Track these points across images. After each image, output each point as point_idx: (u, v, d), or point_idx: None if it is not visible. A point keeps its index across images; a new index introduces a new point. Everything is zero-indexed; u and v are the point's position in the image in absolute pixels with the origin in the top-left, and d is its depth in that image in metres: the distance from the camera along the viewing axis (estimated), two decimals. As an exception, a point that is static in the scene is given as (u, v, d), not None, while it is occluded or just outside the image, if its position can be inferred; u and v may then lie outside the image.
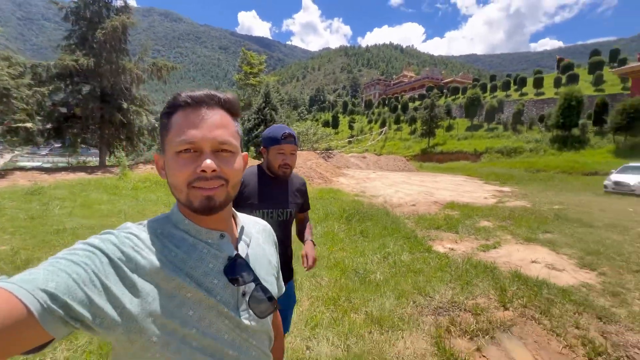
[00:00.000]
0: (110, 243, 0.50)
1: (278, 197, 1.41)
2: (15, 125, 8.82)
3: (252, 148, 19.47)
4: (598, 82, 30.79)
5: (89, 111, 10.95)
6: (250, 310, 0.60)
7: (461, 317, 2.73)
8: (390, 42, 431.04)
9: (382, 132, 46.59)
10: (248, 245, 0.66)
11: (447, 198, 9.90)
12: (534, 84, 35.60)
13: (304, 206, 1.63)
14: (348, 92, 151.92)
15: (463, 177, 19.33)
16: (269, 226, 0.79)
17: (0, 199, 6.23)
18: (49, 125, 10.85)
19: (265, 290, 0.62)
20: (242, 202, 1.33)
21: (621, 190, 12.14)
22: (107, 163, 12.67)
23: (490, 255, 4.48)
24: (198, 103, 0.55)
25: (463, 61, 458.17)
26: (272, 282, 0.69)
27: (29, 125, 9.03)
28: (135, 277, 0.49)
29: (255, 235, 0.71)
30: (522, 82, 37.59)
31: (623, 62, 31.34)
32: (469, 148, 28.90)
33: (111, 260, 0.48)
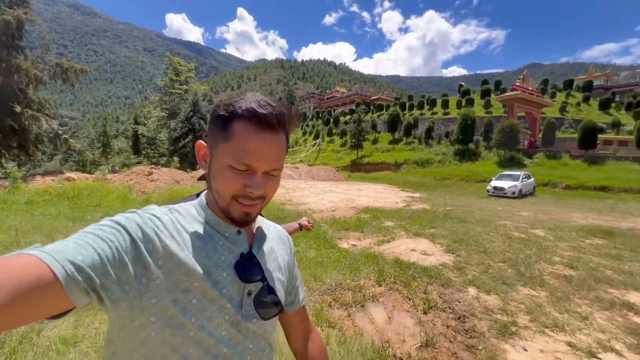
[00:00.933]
0: (134, 222, 0.52)
1: None
2: None
3: (176, 158, 18.50)
4: (487, 105, 37.52)
5: (-31, 115, 9.25)
6: (254, 311, 0.60)
7: (343, 295, 3.38)
8: (324, 58, 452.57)
9: (315, 143, 48.48)
10: (261, 246, 0.66)
11: (365, 204, 11.06)
12: (442, 104, 41.61)
13: None
14: (284, 104, 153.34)
15: (384, 185, 21.46)
16: (285, 233, 0.80)
17: None
18: None
19: (271, 292, 0.62)
20: None
21: (498, 193, 15.08)
22: (-6, 174, 10.74)
23: (383, 247, 5.39)
24: (266, 126, 0.55)
25: (389, 81, 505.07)
26: (280, 288, 0.67)
27: None
28: (150, 258, 0.50)
29: (271, 240, 0.72)
30: (432, 103, 43.52)
31: (504, 90, 38.88)
32: (390, 159, 32.06)
33: (133, 240, 0.50)
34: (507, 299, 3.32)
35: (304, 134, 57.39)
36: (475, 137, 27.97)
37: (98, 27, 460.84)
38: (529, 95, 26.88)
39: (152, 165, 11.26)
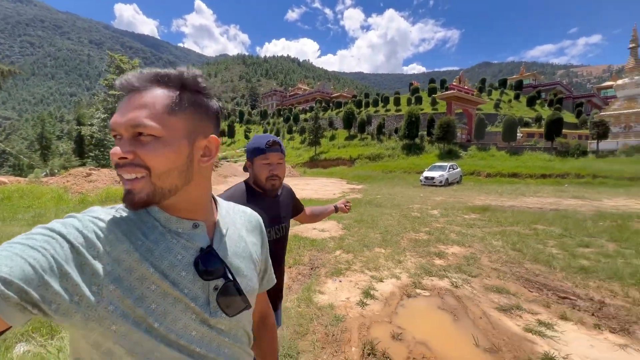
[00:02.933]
0: (73, 227, 0.47)
1: (272, 213, 1.29)
2: None
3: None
4: (434, 103, 40.53)
5: None
6: (219, 308, 0.56)
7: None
8: (288, 54, 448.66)
9: (276, 141, 48.94)
10: (224, 236, 0.61)
11: (304, 196, 12.12)
12: (394, 102, 44.12)
13: (300, 207, 1.61)
14: (247, 101, 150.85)
15: (335, 179, 22.82)
16: (256, 216, 0.76)
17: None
18: None
19: (237, 286, 0.58)
20: None
21: (429, 182, 16.96)
22: None
23: (292, 229, 6.42)
24: (125, 89, 0.51)
25: (352, 78, 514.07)
26: (251, 277, 0.64)
27: None
28: (97, 264, 0.47)
29: (238, 226, 0.67)
30: (386, 100, 45.94)
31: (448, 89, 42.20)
32: (346, 155, 33.64)
33: (72, 246, 0.45)
34: (358, 255, 4.48)
35: (265, 131, 57.48)
36: (420, 133, 30.38)
37: (33, 16, 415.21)
38: (464, 93, 29.73)
39: (92, 167, 11.34)
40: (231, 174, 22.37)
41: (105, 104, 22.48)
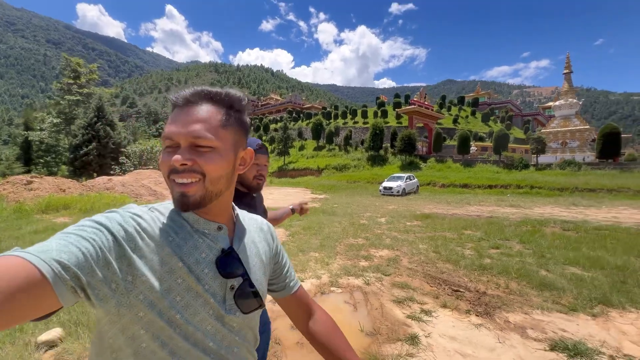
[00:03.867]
0: (116, 222, 0.53)
1: (253, 211, 1.29)
2: None
3: (63, 167, 17.19)
4: (399, 117, 42.56)
5: None
6: (236, 305, 0.62)
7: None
8: (261, 64, 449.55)
9: (245, 150, 48.65)
10: (242, 240, 0.68)
11: (265, 204, 12.25)
12: (362, 114, 45.73)
13: (266, 212, 1.70)
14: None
15: (300, 189, 23.11)
16: (266, 223, 0.80)
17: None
18: None
19: (252, 286, 0.63)
20: None
21: (387, 192, 17.77)
22: None
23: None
24: (180, 102, 0.57)
25: (325, 89, 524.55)
26: (262, 280, 0.69)
27: None
28: (133, 256, 0.52)
29: (252, 232, 0.72)
30: (354, 113, 47.49)
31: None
32: (314, 165, 34.21)
33: (115, 238, 0.51)
34: (291, 258, 4.74)
35: (235, 140, 56.85)
36: (384, 145, 31.75)
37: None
38: (425, 109, 31.65)
39: (34, 175, 10.73)
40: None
41: (60, 107, 21.21)
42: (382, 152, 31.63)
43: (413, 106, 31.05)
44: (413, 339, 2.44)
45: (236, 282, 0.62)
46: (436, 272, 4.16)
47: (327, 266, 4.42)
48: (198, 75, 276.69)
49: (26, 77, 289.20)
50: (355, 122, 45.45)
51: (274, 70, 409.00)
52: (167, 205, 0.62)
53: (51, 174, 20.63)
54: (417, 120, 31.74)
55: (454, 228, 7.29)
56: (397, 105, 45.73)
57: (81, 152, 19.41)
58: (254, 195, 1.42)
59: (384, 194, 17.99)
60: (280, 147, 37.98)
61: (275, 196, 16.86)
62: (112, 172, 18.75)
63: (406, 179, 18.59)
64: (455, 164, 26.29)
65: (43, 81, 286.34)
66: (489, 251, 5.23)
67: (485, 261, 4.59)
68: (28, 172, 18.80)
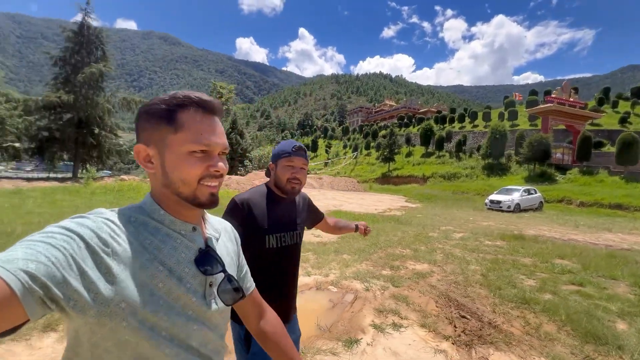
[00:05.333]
0: (87, 228, 0.50)
1: (288, 218, 1.30)
2: (5, 145, 11.69)
3: None
4: (534, 118, 35.19)
5: (66, 135, 14.07)
6: (218, 299, 0.64)
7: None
8: (380, 71, 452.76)
9: (354, 156, 50.31)
10: (217, 240, 0.70)
11: (343, 208, 12.81)
12: (483, 117, 40.12)
13: (320, 215, 1.61)
14: (336, 117, 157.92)
15: (398, 197, 22.42)
16: (230, 225, 0.84)
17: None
18: (32, 145, 13.77)
19: (232, 280, 0.66)
20: (252, 227, 1.19)
21: (494, 207, 15.28)
22: (79, 175, 15.40)
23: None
24: (207, 109, 0.61)
25: (450, 91, 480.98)
26: (235, 277, 0.71)
27: (16, 144, 11.98)
28: (111, 262, 0.50)
29: (221, 233, 0.76)
30: (473, 115, 42.12)
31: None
32: (419, 173, 32.32)
33: (88, 245, 0.49)
34: (321, 256, 5.08)
35: (345, 147, 59.58)
36: (507, 152, 27.04)
37: (181, 54, 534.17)
38: (568, 107, 25.18)
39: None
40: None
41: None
42: (502, 160, 26.99)
43: (549, 104, 25.16)
44: (351, 343, 2.46)
45: (214, 279, 0.64)
46: (458, 295, 3.70)
47: (345, 268, 4.55)
48: (321, 87, 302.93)
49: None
50: (475, 126, 40.24)
51: (393, 76, 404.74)
52: (135, 210, 0.61)
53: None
54: (555, 122, 25.55)
55: (543, 255, 5.89)
56: (532, 104, 37.85)
57: (220, 156, 24.91)
58: (296, 201, 1.36)
59: (490, 209, 15.50)
60: (385, 153, 37.59)
61: (366, 202, 17.09)
62: (238, 172, 23.17)
63: (523, 192, 15.42)
64: (611, 178, 19.83)
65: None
66: (561, 286, 4.13)
67: (540, 296, 3.71)
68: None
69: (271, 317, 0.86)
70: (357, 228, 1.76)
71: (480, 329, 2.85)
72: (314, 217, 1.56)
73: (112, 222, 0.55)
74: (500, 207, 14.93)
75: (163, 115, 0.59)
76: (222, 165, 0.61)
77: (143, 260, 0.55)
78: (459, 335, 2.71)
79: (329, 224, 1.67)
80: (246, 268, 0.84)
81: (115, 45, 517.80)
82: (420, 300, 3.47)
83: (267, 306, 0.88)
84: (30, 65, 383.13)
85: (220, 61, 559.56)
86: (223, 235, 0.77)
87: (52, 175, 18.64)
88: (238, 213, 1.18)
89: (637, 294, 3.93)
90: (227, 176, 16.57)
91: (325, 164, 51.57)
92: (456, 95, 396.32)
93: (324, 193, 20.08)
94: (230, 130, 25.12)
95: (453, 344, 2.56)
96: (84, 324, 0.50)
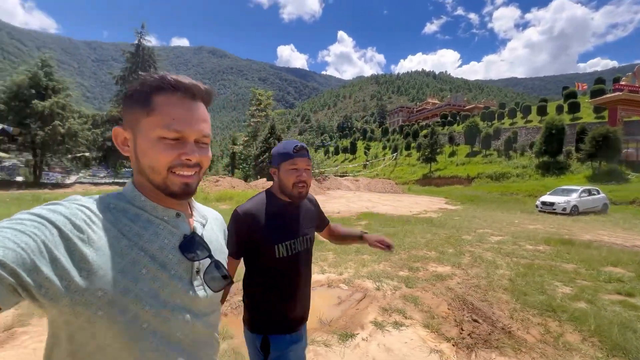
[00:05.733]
0: (60, 214, 0.48)
1: (295, 224, 1.22)
2: (79, 155, 13.67)
3: (237, 171, 23.38)
4: (599, 110, 31.21)
5: (127, 145, 16.00)
6: (206, 285, 0.62)
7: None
8: (422, 69, 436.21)
9: (393, 157, 49.10)
10: (204, 226, 0.68)
11: (376, 210, 12.65)
12: (538, 111, 36.58)
13: (325, 221, 1.48)
14: (375, 118, 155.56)
15: (438, 198, 21.42)
16: (220, 216, 0.83)
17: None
18: (99, 154, 15.90)
19: (219, 266, 0.64)
20: (259, 238, 1.11)
21: (546, 209, 13.89)
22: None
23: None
24: (186, 92, 0.57)
25: (501, 85, 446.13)
26: (224, 261, 0.70)
27: (86, 154, 13.94)
28: (86, 249, 0.48)
29: (210, 220, 0.74)
30: (527, 110, 38.59)
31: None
32: (463, 173, 30.51)
33: (61, 232, 0.47)
34: (340, 255, 5.16)
35: (384, 148, 58.39)
36: (566, 148, 24.37)
37: (227, 65, 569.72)
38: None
39: (220, 175, 15.75)
40: (335, 187, 24.63)
41: (250, 128, 29.61)
42: (560, 157, 24.34)
43: (617, 93, 22.15)
44: (347, 337, 2.52)
45: (201, 265, 0.62)
46: (476, 299, 3.53)
47: (362, 268, 4.57)
48: (361, 89, 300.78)
49: (247, 107, 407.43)
50: (528, 122, 36.82)
51: (436, 73, 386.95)
52: (114, 197, 0.60)
53: (246, 177, 28.59)
54: (626, 113, 22.41)
55: (592, 262, 5.29)
56: (597, 94, 33.51)
57: (259, 160, 26.03)
58: (301, 205, 1.27)
59: (542, 211, 14.08)
60: (426, 153, 36.12)
61: (402, 203, 16.64)
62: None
63: (582, 192, 13.78)
64: (701, 175, 16.84)
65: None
66: (603, 295, 3.72)
67: (572, 304, 3.39)
68: (231, 175, 27.16)
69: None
70: (361, 237, 1.48)
71: (490, 334, 2.72)
72: (321, 220, 1.45)
73: (88, 208, 0.53)
74: (554, 209, 13.50)
75: (138, 97, 0.57)
76: (196, 154, 0.58)
77: (122, 246, 0.53)
78: (464, 338, 2.62)
79: (332, 231, 1.51)
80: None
81: (171, 61, 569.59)
82: (431, 302, 3.39)
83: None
84: (102, 84, 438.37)
85: (263, 69, 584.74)
86: (211, 222, 0.75)
87: (116, 180, 21.15)
88: (242, 225, 1.11)
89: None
90: (264, 180, 17.27)
91: (364, 166, 51.02)
92: (509, 89, 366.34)
93: (359, 195, 19.95)
94: (269, 135, 26.28)
95: (454, 345, 2.50)
96: (59, 315, 0.48)
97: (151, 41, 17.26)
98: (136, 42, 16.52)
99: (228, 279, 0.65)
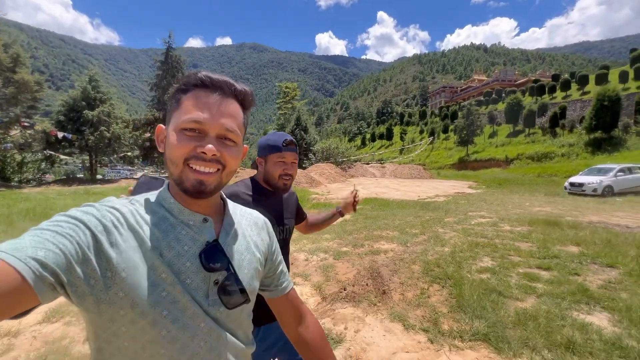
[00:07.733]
0: (92, 216, 0.51)
1: (275, 213, 1.24)
2: (122, 155, 16.18)
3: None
4: (676, 73, 26.57)
5: (162, 144, 18.72)
6: (220, 300, 0.59)
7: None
8: (471, 42, 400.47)
9: (429, 141, 47.14)
10: (230, 233, 0.65)
11: (385, 196, 12.91)
12: (596, 80, 32.22)
13: (303, 216, 1.57)
14: (417, 101, 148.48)
15: (461, 182, 20.61)
16: (263, 219, 0.78)
17: (112, 191, 12.50)
18: (140, 153, 18.51)
19: (238, 280, 0.61)
20: None
21: (575, 190, 12.84)
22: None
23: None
24: (214, 87, 0.57)
25: (569, 52, 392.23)
26: (252, 275, 0.66)
27: (129, 153, 16.45)
28: (111, 251, 0.50)
29: (243, 226, 0.70)
30: (583, 80, 34.15)
31: None
32: (501, 155, 28.51)
33: (92, 233, 0.49)
34: (305, 236, 5.84)
35: (421, 132, 56.12)
36: (623, 121, 21.48)
37: (268, 59, 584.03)
38: None
39: (240, 168, 17.08)
40: (361, 174, 24.87)
41: (278, 121, 31.06)
42: (616, 132, 21.52)
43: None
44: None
45: (220, 275, 0.59)
46: (387, 270, 3.97)
47: (312, 244, 5.20)
48: (402, 71, 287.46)
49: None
50: (584, 94, 32.67)
51: (488, 46, 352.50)
52: (148, 198, 0.61)
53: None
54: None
55: (551, 241, 5.22)
56: (675, 54, 28.41)
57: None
58: (283, 196, 1.33)
59: (571, 193, 13.01)
60: (462, 135, 34.18)
61: (419, 189, 16.48)
62: (303, 165, 25.03)
63: (618, 172, 12.40)
64: None
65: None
66: (516, 269, 3.89)
67: (466, 275, 3.68)
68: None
69: (311, 323, 0.79)
70: (341, 213, 1.67)
71: (366, 292, 3.23)
72: (299, 215, 1.53)
73: (118, 210, 0.55)
74: (583, 190, 12.40)
75: (173, 96, 0.60)
76: (210, 147, 0.55)
77: (144, 250, 0.53)
78: (338, 295, 3.18)
79: (309, 224, 1.62)
80: (282, 267, 0.79)
81: (216, 60, 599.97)
82: (342, 270, 3.93)
83: (307, 310, 0.82)
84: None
85: (302, 60, 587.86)
86: (247, 229, 0.71)
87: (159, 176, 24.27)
88: None
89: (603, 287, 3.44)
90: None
91: (401, 152, 49.82)
92: (578, 55, 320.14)
93: (378, 182, 20.07)
94: (295, 126, 27.26)
95: (322, 299, 3.08)
96: (86, 311, 0.50)
97: (176, 46, 19.07)
98: (165, 49, 18.56)
99: (245, 296, 0.62)
